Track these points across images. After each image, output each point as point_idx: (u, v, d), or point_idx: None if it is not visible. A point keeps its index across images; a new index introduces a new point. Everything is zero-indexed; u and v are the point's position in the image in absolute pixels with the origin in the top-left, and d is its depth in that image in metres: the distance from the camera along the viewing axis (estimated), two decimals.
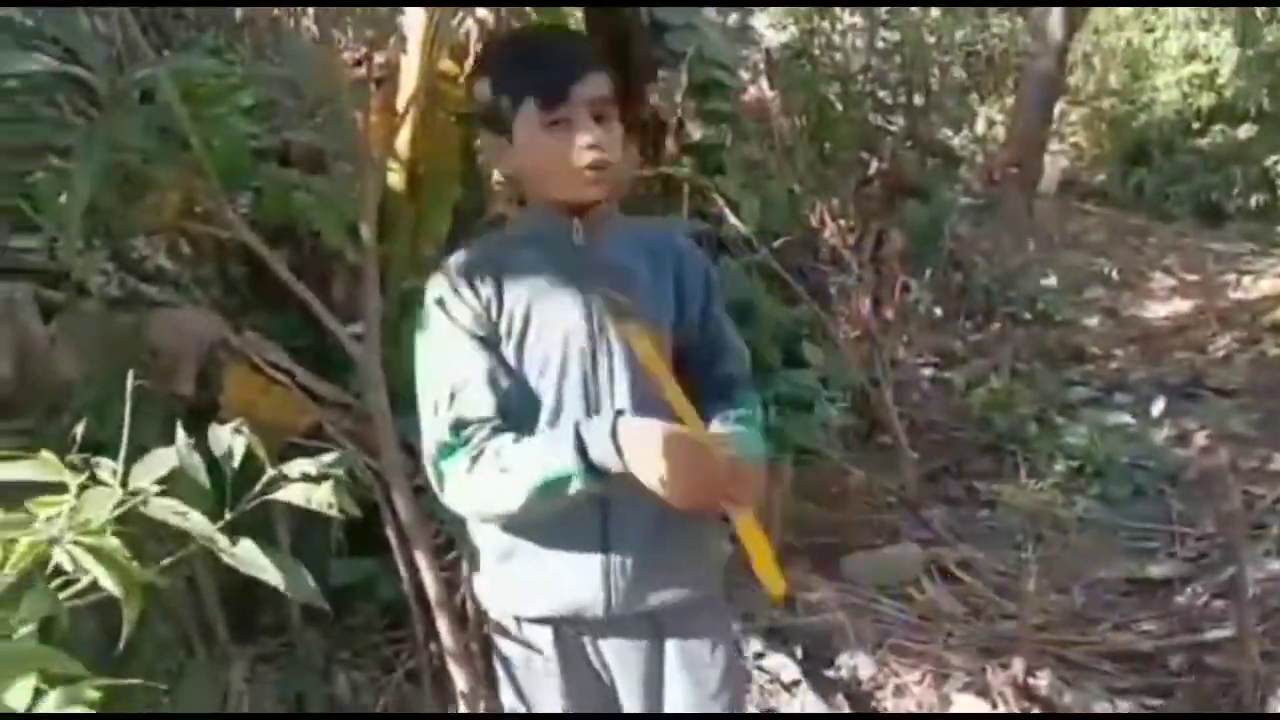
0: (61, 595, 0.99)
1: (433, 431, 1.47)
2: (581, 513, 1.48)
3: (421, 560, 2.00)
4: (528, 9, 4.45)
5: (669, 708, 1.63)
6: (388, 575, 2.51)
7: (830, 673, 2.89)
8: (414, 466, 2.68)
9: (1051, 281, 7.16)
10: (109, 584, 0.88)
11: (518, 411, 1.47)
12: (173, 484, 1.16)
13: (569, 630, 1.59)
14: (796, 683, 2.69)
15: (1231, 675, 2.74)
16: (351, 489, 1.37)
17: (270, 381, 2.30)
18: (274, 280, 2.05)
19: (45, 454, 1.01)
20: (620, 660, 1.61)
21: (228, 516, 1.16)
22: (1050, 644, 3.04)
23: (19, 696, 0.97)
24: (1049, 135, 8.84)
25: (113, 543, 0.90)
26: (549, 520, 1.47)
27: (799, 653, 2.83)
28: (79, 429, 1.19)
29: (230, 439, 1.21)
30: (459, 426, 1.44)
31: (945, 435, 4.70)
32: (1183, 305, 7.25)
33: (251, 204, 2.82)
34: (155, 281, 2.60)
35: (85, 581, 1.05)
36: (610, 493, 1.43)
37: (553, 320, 1.48)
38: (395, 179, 3.20)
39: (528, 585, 1.56)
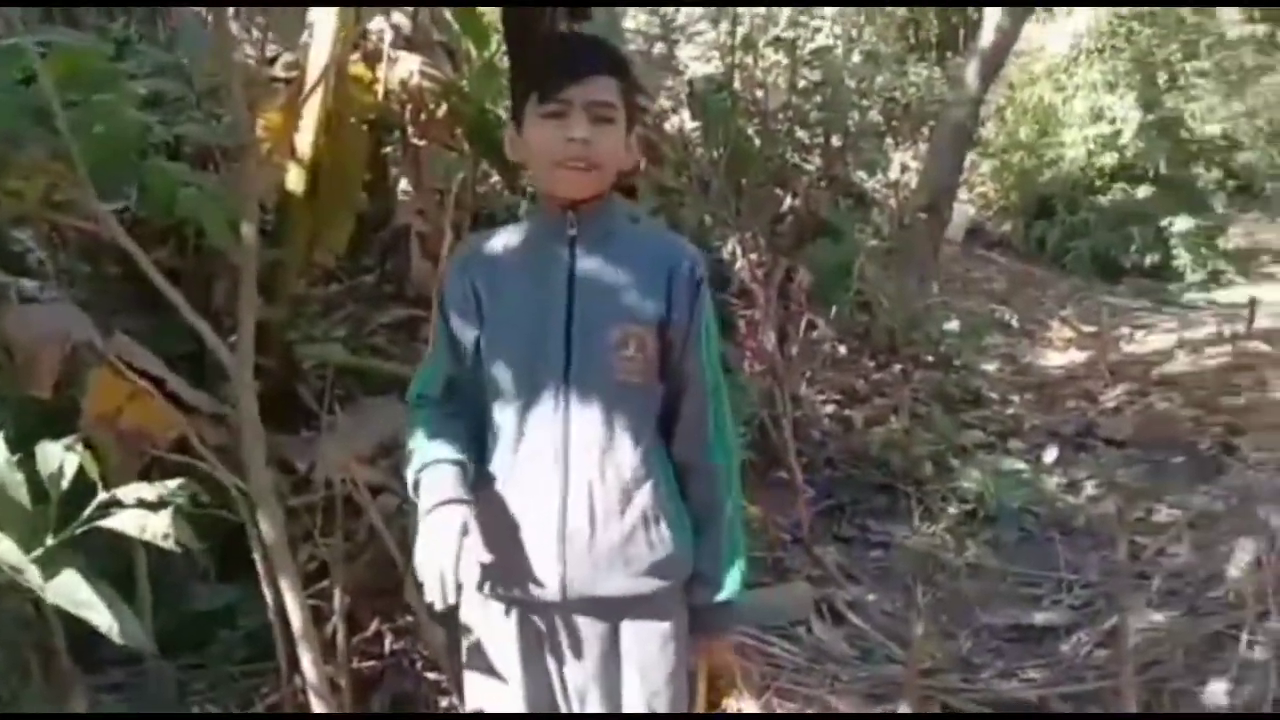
0: None
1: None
2: (540, 499, 1.57)
3: (285, 586, 1.88)
4: (447, 13, 4.35)
5: (625, 696, 1.67)
6: (253, 602, 2.36)
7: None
8: (286, 485, 2.56)
9: (954, 326, 7.28)
10: None
11: (473, 389, 1.63)
12: None
13: (527, 612, 1.64)
14: None
15: None
16: (209, 511, 1.26)
17: (137, 388, 2.15)
18: (151, 281, 1.93)
19: None
20: (576, 645, 1.64)
21: (50, 542, 1.04)
22: (935, 690, 3.03)
23: None
24: (959, 184, 9.03)
25: None
26: (508, 504, 1.59)
27: None
28: None
29: (61, 456, 1.09)
30: (417, 396, 1.68)
31: (843, 473, 4.70)
32: (1078, 356, 7.44)
33: (137, 199, 2.67)
34: (19, 275, 2.43)
35: None
36: (570, 481, 1.55)
37: (524, 306, 1.58)
38: (295, 182, 3.07)
39: (487, 565, 1.62)
